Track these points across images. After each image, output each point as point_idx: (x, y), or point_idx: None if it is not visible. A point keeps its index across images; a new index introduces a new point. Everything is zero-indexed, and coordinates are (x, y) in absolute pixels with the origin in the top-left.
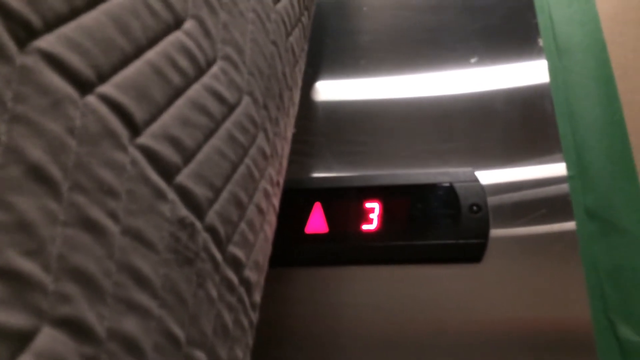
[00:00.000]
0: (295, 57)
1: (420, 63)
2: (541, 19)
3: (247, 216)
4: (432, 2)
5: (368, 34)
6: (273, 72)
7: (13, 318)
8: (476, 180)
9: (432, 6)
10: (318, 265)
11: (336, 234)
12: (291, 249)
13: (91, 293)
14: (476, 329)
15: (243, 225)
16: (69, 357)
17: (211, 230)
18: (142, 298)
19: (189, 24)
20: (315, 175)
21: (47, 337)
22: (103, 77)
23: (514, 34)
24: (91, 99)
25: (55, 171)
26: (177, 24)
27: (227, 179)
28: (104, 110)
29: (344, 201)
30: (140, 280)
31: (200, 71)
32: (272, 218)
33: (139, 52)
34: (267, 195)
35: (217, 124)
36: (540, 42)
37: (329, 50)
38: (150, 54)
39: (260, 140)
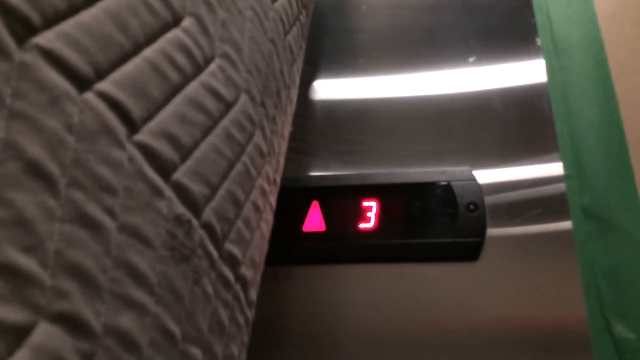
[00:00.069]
0: (293, 56)
1: (419, 62)
2: (539, 19)
3: (244, 214)
4: (431, 2)
5: (366, 32)
6: (271, 70)
7: (11, 313)
8: (473, 179)
9: (430, 5)
10: (315, 263)
11: (334, 232)
12: (289, 247)
13: (88, 289)
14: (473, 327)
15: (239, 223)
16: (65, 352)
17: (207, 227)
18: (139, 294)
19: (187, 22)
20: (313, 173)
21: (44, 332)
22: (101, 74)
23: (512, 34)
24: (89, 95)
25: (53, 167)
26: (176, 21)
27: (224, 176)
28: (102, 107)
29: (341, 199)
30: (137, 277)
31: (198, 69)
32: (268, 216)
33: (137, 49)
34: (263, 193)
35: (215, 121)
36: (538, 41)
37: (328, 48)
38: (149, 52)
39: (258, 138)
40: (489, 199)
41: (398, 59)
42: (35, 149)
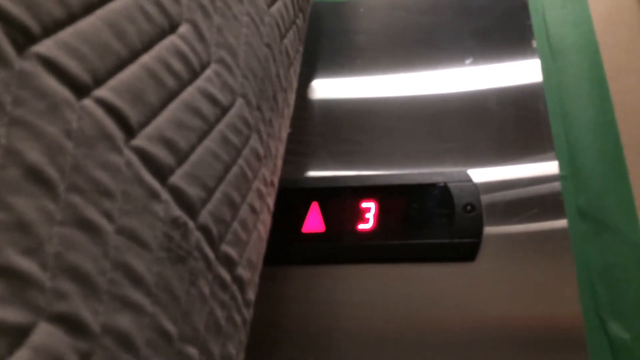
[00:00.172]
0: (289, 59)
1: (416, 63)
2: (535, 21)
3: (240, 216)
4: (428, 4)
5: (364, 34)
6: (267, 74)
7: (11, 314)
8: (470, 180)
9: (427, 7)
10: (315, 264)
11: (333, 233)
12: (288, 248)
13: (86, 290)
14: (470, 326)
15: (236, 225)
16: (65, 351)
17: (204, 229)
18: (136, 295)
19: (183, 28)
20: (313, 175)
21: (44, 333)
22: (99, 81)
23: (508, 35)
24: (88, 102)
25: (52, 173)
26: (172, 28)
27: (220, 179)
28: (100, 113)
29: (340, 201)
30: (134, 278)
31: (195, 74)
32: (266, 217)
33: (134, 56)
34: (260, 195)
35: (211, 126)
36: (534, 43)
37: (326, 50)
38: (146, 58)
39: (254, 141)
40: (485, 200)
41: (396, 60)
42: (35, 155)
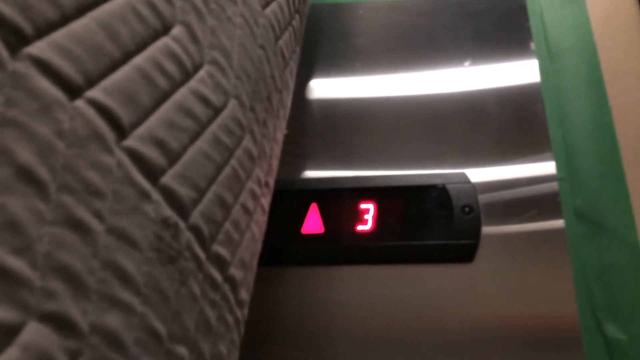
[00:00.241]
0: (285, 60)
1: (415, 65)
2: (533, 23)
3: (232, 216)
4: (427, 6)
5: (363, 36)
6: (261, 76)
7: (1, 312)
8: (468, 182)
9: (427, 9)
10: (314, 264)
11: (332, 234)
12: (288, 248)
13: (76, 290)
14: (468, 327)
15: (228, 225)
16: (54, 350)
17: (195, 229)
18: (125, 295)
19: (176, 30)
20: (312, 176)
21: (33, 331)
22: (91, 82)
23: (506, 37)
24: (80, 103)
25: (43, 173)
26: (165, 29)
27: (212, 180)
28: (91, 114)
29: (339, 202)
30: (124, 278)
31: (187, 75)
32: (260, 218)
33: (127, 57)
34: (254, 195)
35: (203, 126)
36: (532, 45)
37: (325, 52)
38: (138, 59)
39: (247, 142)
40: (483, 200)
41: (395, 61)
42: (26, 155)
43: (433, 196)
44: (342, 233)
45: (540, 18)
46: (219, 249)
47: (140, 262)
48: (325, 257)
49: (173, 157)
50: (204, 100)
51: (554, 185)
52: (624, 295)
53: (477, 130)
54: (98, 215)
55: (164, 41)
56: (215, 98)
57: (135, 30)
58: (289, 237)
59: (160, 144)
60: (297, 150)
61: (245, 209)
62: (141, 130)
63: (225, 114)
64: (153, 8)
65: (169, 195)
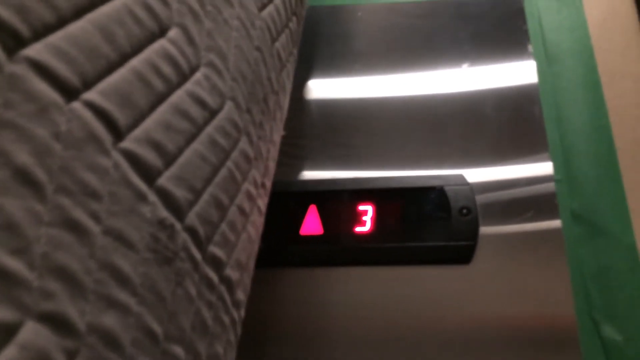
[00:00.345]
0: (282, 62)
1: (414, 67)
2: (531, 26)
3: (228, 217)
4: (426, 9)
5: (362, 38)
6: (257, 78)
7: None
8: (466, 183)
9: (425, 12)
10: (313, 266)
11: (331, 235)
12: (287, 250)
13: (73, 290)
14: (465, 328)
15: (224, 226)
16: (51, 350)
17: (191, 230)
18: (122, 295)
19: (173, 32)
20: (311, 178)
21: (31, 331)
22: (88, 84)
23: (504, 40)
24: (76, 105)
25: (41, 174)
26: (162, 32)
27: (208, 181)
28: (88, 116)
29: (338, 204)
30: (120, 279)
31: (184, 78)
32: (257, 219)
33: (123, 59)
34: (250, 197)
35: (199, 128)
36: (530, 47)
37: (324, 53)
38: (135, 62)
39: (243, 143)
40: (481, 201)
41: (393, 63)
42: (24, 157)
43: (431, 198)
44: (340, 234)
45: (538, 21)
46: (215, 249)
47: (136, 263)
48: (324, 259)
49: (169, 159)
50: (200, 102)
51: (551, 187)
52: (621, 296)
53: (475, 132)
54: (95, 217)
55: (161, 43)
56: (211, 100)
57: (131, 33)
58: (288, 238)
59: (156, 146)
60: (296, 151)
61: (242, 210)
62: (137, 132)
63: (221, 115)
64: (149, 10)
65: (165, 197)
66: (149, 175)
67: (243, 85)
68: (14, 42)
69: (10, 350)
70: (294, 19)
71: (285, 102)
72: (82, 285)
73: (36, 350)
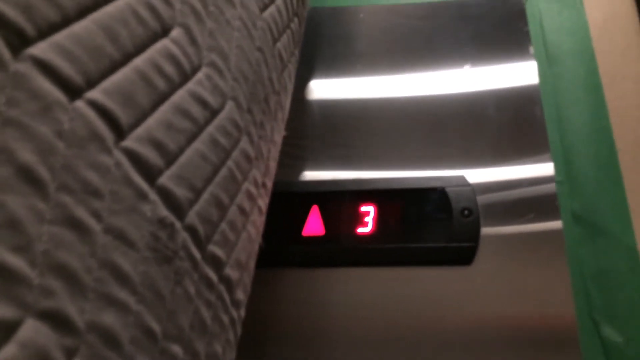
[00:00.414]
0: (283, 63)
1: (415, 68)
2: (532, 27)
3: (228, 217)
4: (427, 10)
5: (364, 39)
6: (258, 78)
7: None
8: (467, 184)
9: (427, 13)
10: (315, 266)
11: (332, 236)
12: (289, 250)
13: (73, 288)
14: (466, 329)
15: (224, 226)
16: (51, 347)
17: (191, 230)
18: (121, 294)
19: (175, 32)
20: (313, 179)
21: (31, 328)
22: (91, 83)
23: (506, 41)
24: (80, 103)
25: (43, 172)
26: (165, 31)
27: (208, 180)
28: (91, 114)
29: (340, 204)
30: (120, 277)
31: (185, 77)
32: (257, 219)
33: (126, 59)
34: (251, 196)
35: (200, 128)
36: (531, 49)
37: (326, 55)
38: (138, 61)
39: (244, 143)
40: (482, 201)
41: (395, 64)
42: (27, 155)
43: (433, 199)
44: (342, 235)
45: (539, 22)
46: (214, 249)
47: (136, 262)
48: (325, 259)
49: (170, 158)
50: (202, 102)
51: (552, 187)
52: (621, 297)
53: (477, 133)
54: (96, 215)
55: (163, 43)
56: (212, 100)
57: (135, 32)
58: (290, 239)
59: (158, 145)
60: (298, 151)
61: (242, 210)
62: (139, 131)
63: (222, 115)
64: (153, 10)
65: (166, 196)
66: (150, 174)
67: (244, 85)
68: (19, 40)
69: (10, 347)
70: (296, 19)
71: (287, 102)
72: (82, 284)
73: (36, 348)
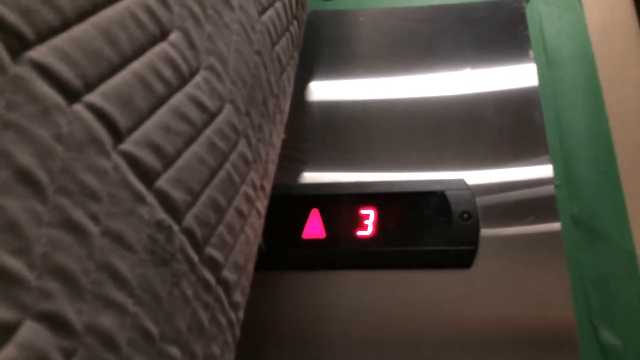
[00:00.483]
0: (282, 66)
1: (415, 71)
2: (532, 32)
3: (226, 219)
4: (428, 14)
5: (364, 42)
6: (257, 81)
7: None
8: (467, 188)
9: (427, 17)
10: (315, 269)
11: (333, 239)
12: (289, 253)
13: (71, 290)
14: (466, 331)
15: (221, 228)
16: (49, 349)
17: (188, 232)
18: (119, 296)
19: (174, 36)
20: (313, 182)
21: (29, 330)
22: (90, 87)
23: (506, 45)
24: (78, 107)
25: (42, 175)
26: (163, 35)
27: (206, 183)
28: (89, 118)
29: (340, 208)
30: (118, 279)
31: (184, 81)
32: (255, 221)
33: (125, 62)
34: (248, 199)
35: (198, 131)
36: (531, 53)
37: (326, 58)
38: (136, 65)
39: (242, 146)
40: (482, 204)
41: (395, 68)
42: (25, 158)
43: (432, 202)
44: (342, 238)
45: (539, 26)
46: (212, 251)
47: (134, 264)
48: (326, 262)
49: (168, 161)
50: (200, 105)
51: (551, 190)
52: (620, 301)
53: (476, 136)
54: (94, 218)
55: (162, 47)
56: (210, 103)
57: (133, 36)
58: (291, 241)
59: (155, 148)
60: (297, 154)
61: (240, 213)
62: (137, 134)
63: (220, 118)
64: (151, 14)
65: (164, 199)
66: (147, 177)
67: (242, 88)
68: (19, 44)
69: (9, 349)
70: (295, 22)
71: (286, 105)
72: (80, 286)
73: (34, 349)
